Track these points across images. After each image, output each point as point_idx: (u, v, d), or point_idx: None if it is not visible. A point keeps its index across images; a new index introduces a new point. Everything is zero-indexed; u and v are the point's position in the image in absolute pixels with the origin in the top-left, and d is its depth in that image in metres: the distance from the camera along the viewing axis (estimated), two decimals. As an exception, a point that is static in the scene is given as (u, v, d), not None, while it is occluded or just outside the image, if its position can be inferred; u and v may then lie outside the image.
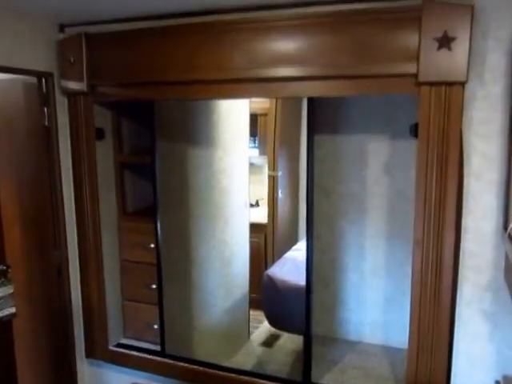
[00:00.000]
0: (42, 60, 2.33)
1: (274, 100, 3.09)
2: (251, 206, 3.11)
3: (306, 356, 2.20)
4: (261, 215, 3.19)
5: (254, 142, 3.41)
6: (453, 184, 1.75)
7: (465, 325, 1.89)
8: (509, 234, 1.58)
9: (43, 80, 2.38)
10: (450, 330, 1.88)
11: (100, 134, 2.44)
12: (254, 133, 3.28)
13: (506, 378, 1.84)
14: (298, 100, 2.67)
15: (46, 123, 2.42)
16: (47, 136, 2.43)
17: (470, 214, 1.82)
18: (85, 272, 2.56)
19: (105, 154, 2.51)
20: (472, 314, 1.87)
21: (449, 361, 1.90)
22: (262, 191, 3.20)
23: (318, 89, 1.91)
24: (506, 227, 1.68)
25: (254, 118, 3.13)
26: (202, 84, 2.09)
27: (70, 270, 2.57)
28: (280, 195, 3.06)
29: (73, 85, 2.34)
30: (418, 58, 1.70)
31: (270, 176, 3.09)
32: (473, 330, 1.88)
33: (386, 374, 2.28)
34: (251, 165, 3.04)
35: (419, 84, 1.73)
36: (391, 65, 1.76)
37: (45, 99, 2.40)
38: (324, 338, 2.60)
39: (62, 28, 2.38)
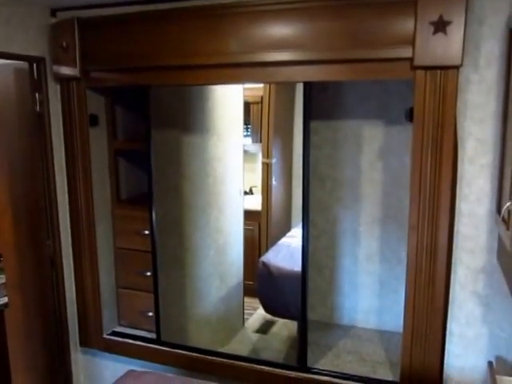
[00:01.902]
0: (34, 45, 2.31)
1: (268, 87, 3.10)
2: (245, 193, 3.14)
3: (301, 341, 2.24)
4: (255, 203, 3.21)
5: (247, 130, 3.43)
6: (447, 168, 1.79)
7: (459, 307, 1.94)
8: (502, 217, 1.62)
9: (35, 65, 2.37)
10: (444, 313, 1.92)
11: (94, 120, 2.44)
12: (246, 121, 3.30)
13: (498, 358, 1.89)
14: (292, 87, 2.69)
15: (38, 110, 2.41)
16: (39, 123, 2.43)
17: (464, 197, 1.87)
18: (78, 260, 2.57)
19: (99, 141, 2.51)
20: (466, 296, 1.92)
21: (443, 343, 1.94)
22: (256, 179, 3.22)
23: (313, 73, 1.93)
24: (499, 210, 1.72)
25: (246, 107, 3.14)
26: (197, 69, 2.09)
27: (64, 259, 2.58)
28: (274, 182, 3.09)
29: (65, 70, 2.34)
30: (413, 43, 1.72)
31: (264, 163, 3.11)
32: (466, 312, 1.93)
33: (380, 358, 2.33)
34: (245, 152, 3.05)
35: (415, 68, 1.76)
36: (387, 49, 1.78)
37: (37, 85, 2.39)
38: (318, 324, 2.64)
39: (53, 12, 2.37)
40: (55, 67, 2.36)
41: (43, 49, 2.36)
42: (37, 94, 2.39)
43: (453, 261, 1.91)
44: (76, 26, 2.25)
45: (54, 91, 2.43)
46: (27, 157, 2.53)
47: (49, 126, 2.43)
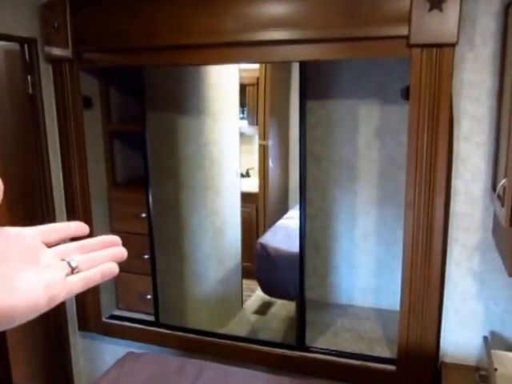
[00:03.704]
0: (25, 25, 2.32)
1: (263, 69, 3.14)
2: (242, 176, 3.19)
3: (299, 321, 2.32)
4: (252, 185, 3.27)
5: (243, 113, 3.47)
6: (443, 146, 1.84)
7: (454, 284, 2.01)
8: (497, 195, 1.68)
9: (26, 46, 2.39)
10: (440, 290, 2.00)
11: (87, 102, 2.47)
12: (242, 103, 3.33)
13: (492, 333, 1.98)
14: (287, 68, 2.72)
15: (31, 92, 2.43)
16: (32, 105, 2.44)
17: (460, 175, 1.93)
18: (75, 244, 2.62)
19: (93, 123, 2.54)
20: (461, 273, 2.00)
21: (439, 320, 2.02)
22: (253, 161, 3.27)
23: (309, 52, 1.97)
24: (494, 188, 1.78)
25: (242, 89, 3.18)
26: (192, 49, 2.12)
27: (60, 243, 2.63)
28: (270, 164, 3.14)
29: (57, 51, 2.36)
30: (409, 20, 1.76)
31: (260, 145, 3.16)
32: (462, 289, 2.01)
33: (377, 336, 2.42)
34: (241, 134, 3.10)
35: (410, 46, 1.80)
36: (383, 27, 1.82)
37: (28, 67, 2.40)
38: (316, 303, 2.73)
39: (44, -9, 2.39)
40: (47, 48, 2.38)
41: (34, 29, 2.37)
42: (29, 76, 2.41)
43: (449, 238, 1.97)
44: (67, 6, 2.26)
45: (46, 73, 2.44)
46: (20, 140, 2.57)
47: (42, 109, 2.46)
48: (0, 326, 0.48)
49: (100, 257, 0.60)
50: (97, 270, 0.58)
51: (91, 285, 0.57)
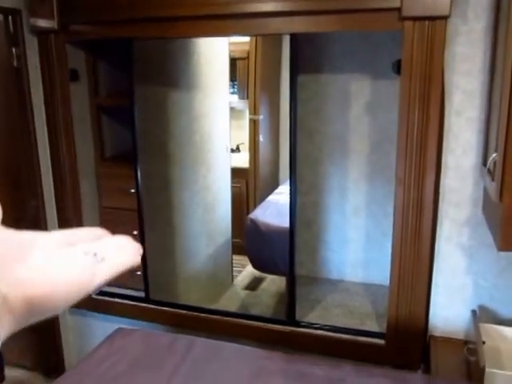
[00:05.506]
0: (8, -5, 2.30)
1: (254, 42, 3.12)
2: (232, 151, 3.20)
3: (289, 296, 2.36)
4: (242, 160, 3.28)
5: (233, 87, 3.46)
6: (434, 121, 1.86)
7: (444, 259, 2.05)
8: (488, 170, 1.71)
9: (10, 18, 2.35)
10: (430, 265, 2.04)
11: (74, 75, 2.45)
12: (233, 77, 3.32)
13: (481, 307, 2.03)
14: (278, 41, 2.71)
15: (16, 64, 2.40)
16: (17, 78, 2.42)
17: (451, 151, 1.95)
18: (63, 221, 2.62)
19: (80, 97, 2.53)
20: (451, 248, 2.03)
21: (428, 294, 2.07)
22: (243, 136, 3.28)
23: (301, 25, 1.96)
24: (485, 163, 1.81)
25: (232, 62, 3.16)
26: (182, 21, 2.10)
27: (48, 220, 2.63)
28: (261, 139, 3.15)
29: (42, 23, 2.32)
30: (401, -8, 1.76)
31: (251, 120, 3.16)
32: (451, 263, 2.05)
33: (367, 310, 2.48)
34: (231, 109, 3.10)
35: (403, 19, 1.79)
36: (375, -1, 1.82)
37: (13, 39, 2.37)
38: (307, 278, 2.78)
39: (27, -40, 2.34)
40: (32, 20, 2.34)
41: (18, 0, 2.33)
42: (13, 49, 2.38)
43: (439, 213, 2.00)
44: (52, -25, 2.24)
45: (31, 45, 2.41)
46: (5, 114, 2.54)
47: (27, 82, 2.43)
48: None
49: None
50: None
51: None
